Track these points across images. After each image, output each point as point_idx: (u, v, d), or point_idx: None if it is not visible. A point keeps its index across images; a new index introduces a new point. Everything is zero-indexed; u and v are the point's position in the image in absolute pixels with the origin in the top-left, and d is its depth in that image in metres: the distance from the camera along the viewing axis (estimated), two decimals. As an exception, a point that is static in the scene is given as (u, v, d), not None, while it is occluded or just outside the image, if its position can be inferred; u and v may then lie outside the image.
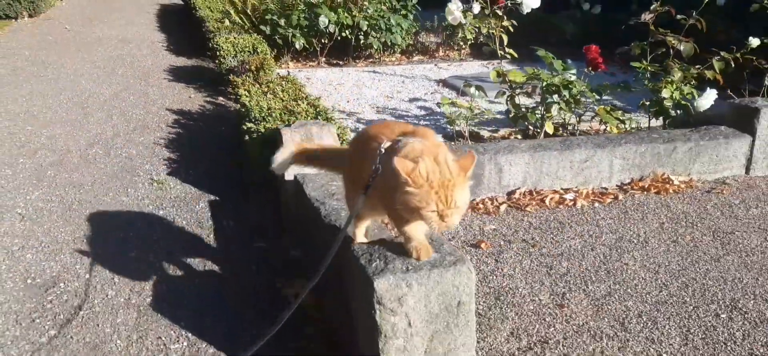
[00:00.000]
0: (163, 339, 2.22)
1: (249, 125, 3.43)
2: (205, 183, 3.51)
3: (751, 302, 2.41)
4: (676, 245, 2.83)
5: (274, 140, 3.18)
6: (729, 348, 2.16)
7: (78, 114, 4.64)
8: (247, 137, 3.37)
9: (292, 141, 2.91)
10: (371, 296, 1.70)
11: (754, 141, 3.63)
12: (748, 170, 3.67)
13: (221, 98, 5.18)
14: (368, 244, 1.95)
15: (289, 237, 2.95)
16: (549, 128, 3.87)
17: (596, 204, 3.24)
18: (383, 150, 1.77)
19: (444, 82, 5.73)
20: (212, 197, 3.35)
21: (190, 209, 3.21)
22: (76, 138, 4.16)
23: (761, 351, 2.15)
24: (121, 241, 2.87)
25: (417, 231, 1.78)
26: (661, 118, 4.09)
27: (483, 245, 2.80)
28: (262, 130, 3.30)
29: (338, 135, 3.30)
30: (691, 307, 2.37)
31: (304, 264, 2.72)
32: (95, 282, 2.54)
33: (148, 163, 3.78)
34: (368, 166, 1.81)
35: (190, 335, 2.25)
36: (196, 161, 3.84)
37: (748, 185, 3.52)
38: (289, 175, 3.03)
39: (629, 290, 2.47)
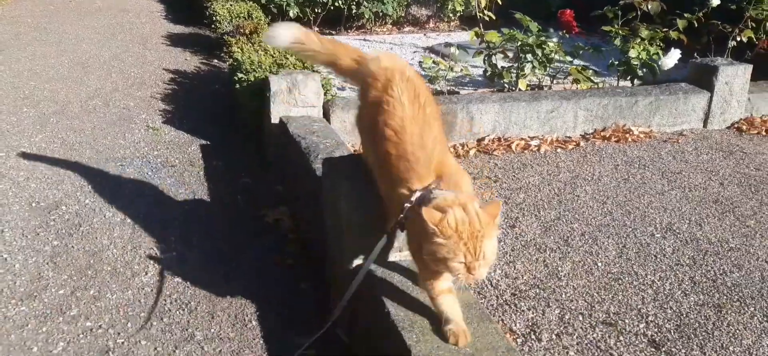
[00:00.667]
0: (154, 249, 2.49)
1: (240, 75, 3.69)
2: (198, 130, 3.78)
3: (685, 225, 2.67)
4: (626, 182, 3.09)
5: (262, 89, 3.44)
6: (658, 260, 2.42)
7: (79, 72, 4.89)
8: (237, 86, 3.63)
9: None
10: (331, 189, 1.96)
11: (712, 97, 3.88)
12: (705, 123, 3.92)
13: (216, 61, 5.43)
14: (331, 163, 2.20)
15: (273, 173, 3.22)
16: (522, 85, 4.12)
17: (559, 150, 3.50)
18: (413, 200, 1.69)
19: (431, 49, 5.97)
20: (204, 142, 3.62)
21: (183, 151, 3.48)
22: (77, 92, 4.42)
23: (687, 262, 2.42)
24: (118, 176, 3.14)
25: (452, 308, 1.67)
26: (629, 78, 4.34)
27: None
28: (252, 79, 3.56)
29: (323, 85, 3.56)
30: (630, 229, 2.64)
31: (286, 196, 2.99)
32: (94, 206, 2.81)
33: (145, 113, 4.04)
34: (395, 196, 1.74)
35: (178, 248, 2.52)
36: (189, 112, 4.10)
37: (704, 137, 3.77)
38: (275, 118, 3.30)
39: (577, 215, 2.74)
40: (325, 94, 3.54)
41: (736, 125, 3.94)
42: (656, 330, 2.05)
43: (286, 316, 2.16)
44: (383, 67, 1.90)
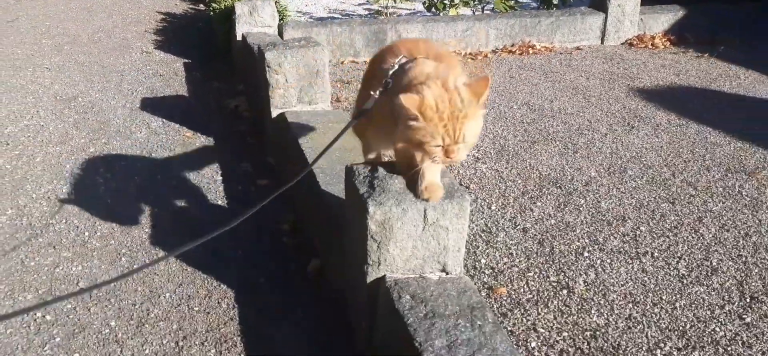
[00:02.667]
0: (146, 120, 3.60)
1: (214, 5, 4.77)
2: (182, 53, 4.87)
3: (540, 101, 3.72)
4: (511, 79, 4.13)
5: (229, 14, 4.53)
6: (508, 120, 3.47)
7: (85, 14, 6.01)
8: (211, 14, 4.71)
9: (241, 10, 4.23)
10: (263, 63, 3.04)
11: (606, 17, 4.87)
12: (602, 40, 4.92)
13: (202, 6, 6.51)
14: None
15: (237, 77, 4.31)
16: (452, 13, 5.14)
17: (469, 61, 4.53)
18: (396, 65, 1.69)
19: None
20: (186, 60, 4.71)
21: (169, 66, 4.57)
22: (85, 28, 5.53)
23: (528, 120, 3.47)
24: (119, 80, 4.25)
25: (431, 171, 1.66)
26: (545, 6, 5.33)
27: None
28: (222, 7, 4.63)
29: (279, 11, 4.61)
30: (497, 104, 3.69)
31: (244, 90, 4.06)
32: (102, 97, 3.92)
33: (140, 42, 5.14)
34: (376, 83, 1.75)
35: (163, 119, 3.61)
36: (176, 42, 5.19)
37: (597, 50, 4.78)
38: (239, 35, 4.37)
39: (461, 97, 3.79)
40: (282, 18, 4.60)
41: (628, 41, 4.93)
42: (483, 154, 3.10)
43: (236, 152, 3.25)
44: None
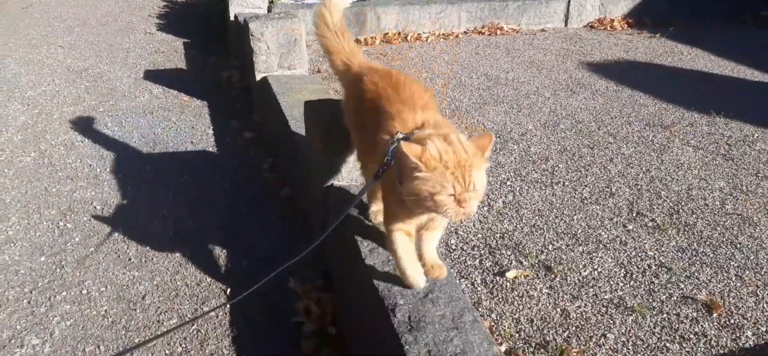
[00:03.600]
0: (148, 87, 4.14)
1: (211, -10, 5.33)
2: (182, 34, 5.42)
3: (497, 72, 4.25)
4: (477, 55, 4.66)
5: (225, -2, 5.07)
6: (466, 88, 4.00)
7: (93, 0, 6.58)
8: (208, -1, 5.26)
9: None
10: (248, 32, 3.57)
11: (570, 2, 5.39)
12: (566, 23, 5.44)
13: (202, -6, 7.08)
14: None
15: (231, 55, 4.84)
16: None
17: (442, 40, 5.06)
18: (395, 141, 1.62)
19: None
20: (186, 40, 5.26)
21: (170, 45, 5.12)
22: (93, 13, 6.10)
23: (484, 88, 3.99)
24: (124, 56, 4.80)
25: (430, 245, 1.70)
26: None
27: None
28: (218, -8, 5.19)
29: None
30: (458, 75, 4.22)
31: (237, 64, 4.60)
32: (110, 69, 4.47)
33: (144, 24, 5.70)
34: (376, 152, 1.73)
35: (164, 87, 4.16)
36: (177, 24, 5.75)
37: (560, 31, 5.30)
38: (232, 15, 4.91)
39: (425, 69, 4.32)
40: (271, 1, 5.15)
41: (590, 24, 5.44)
42: (448, 110, 3.62)
43: (227, 112, 3.78)
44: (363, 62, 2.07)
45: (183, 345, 2.00)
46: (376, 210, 1.92)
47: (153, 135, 3.44)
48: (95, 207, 2.75)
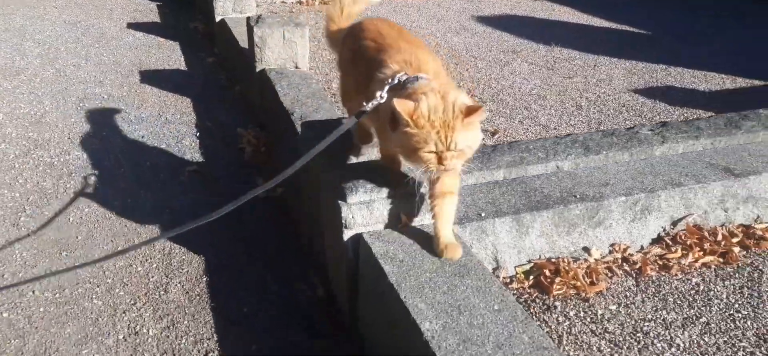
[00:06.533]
0: (131, 33, 5.49)
1: (179, -36, 6.67)
2: (162, 1, 6.77)
3: (415, 25, 5.69)
4: (396, 12, 6.10)
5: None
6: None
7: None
8: (177, -31, 6.61)
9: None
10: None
11: (475, -26, 6.87)
12: (472, -9, 6.92)
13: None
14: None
15: (197, 12, 6.20)
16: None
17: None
18: (389, 83, 1.80)
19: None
20: (159, 3, 6.60)
21: (146, 6, 6.48)
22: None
23: (392, 31, 5.42)
24: (109, 13, 6.16)
25: (446, 221, 1.88)
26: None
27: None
28: (185, -36, 6.55)
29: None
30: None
31: (204, 19, 5.95)
32: (97, 22, 5.82)
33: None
34: (369, 83, 1.89)
35: (144, 33, 5.51)
36: (150, -7, 7.10)
37: (466, -3, 6.79)
38: (198, -17, 6.27)
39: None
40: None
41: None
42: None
43: (194, 49, 5.14)
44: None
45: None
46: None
47: (139, 61, 4.80)
48: (103, 98, 4.10)
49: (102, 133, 3.62)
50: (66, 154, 3.36)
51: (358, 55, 2.08)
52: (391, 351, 1.83)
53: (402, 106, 1.64)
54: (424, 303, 1.69)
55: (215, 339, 2.09)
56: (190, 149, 3.48)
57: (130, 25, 5.73)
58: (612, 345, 1.91)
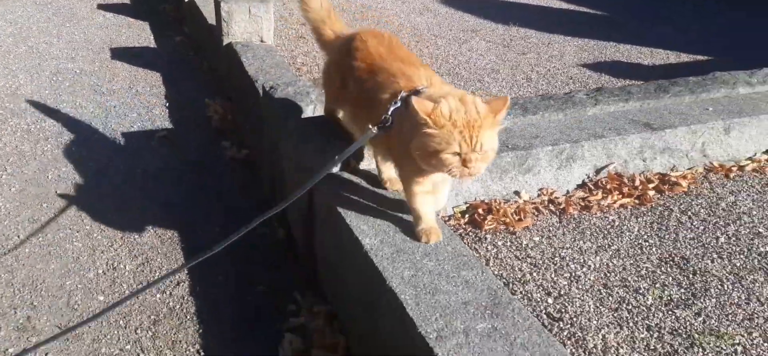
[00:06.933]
0: (102, 14, 5.68)
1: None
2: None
3: (381, 5, 5.96)
4: (359, -7, 6.37)
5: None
6: (357, 21, 5.69)
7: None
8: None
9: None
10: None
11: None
12: (437, -24, 7.22)
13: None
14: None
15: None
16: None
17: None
18: (399, 101, 1.76)
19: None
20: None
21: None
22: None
23: (371, 20, 5.69)
24: (82, 3, 6.31)
25: (427, 208, 1.85)
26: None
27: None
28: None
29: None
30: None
31: (183, 14, 6.15)
32: (68, 3, 5.98)
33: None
34: (377, 103, 1.85)
35: (114, 14, 5.70)
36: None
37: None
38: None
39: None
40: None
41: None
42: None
43: (164, 29, 5.35)
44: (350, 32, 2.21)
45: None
46: (387, 178, 2.13)
47: (109, 40, 5.00)
48: (75, 72, 4.31)
49: (75, 102, 3.83)
50: (42, 121, 3.57)
51: (357, 77, 2.03)
52: (338, 269, 2.12)
53: (420, 105, 1.60)
54: (366, 225, 1.97)
55: (185, 272, 2.35)
56: (160, 117, 3.71)
57: (101, 6, 5.91)
58: (532, 267, 2.21)
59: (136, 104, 3.85)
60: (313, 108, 2.72)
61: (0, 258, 2.42)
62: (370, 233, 1.94)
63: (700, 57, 4.86)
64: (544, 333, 1.55)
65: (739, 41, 5.31)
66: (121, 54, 4.69)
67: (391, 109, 1.75)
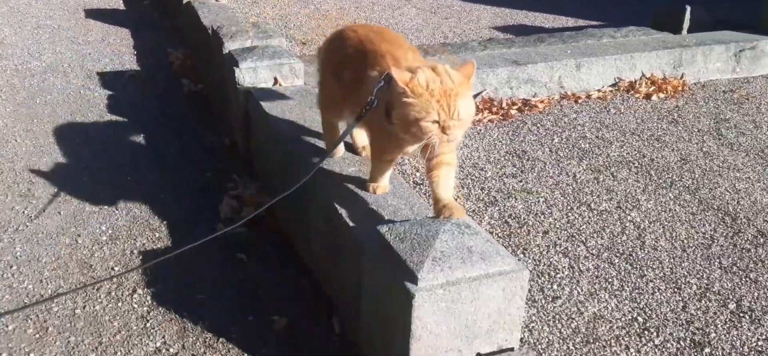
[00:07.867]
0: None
1: None
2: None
3: (318, -25, 6.75)
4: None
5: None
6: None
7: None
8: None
9: None
10: None
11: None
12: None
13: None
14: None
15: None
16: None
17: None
18: (382, 81, 1.83)
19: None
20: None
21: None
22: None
23: (311, 2, 6.47)
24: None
25: (384, 174, 2.07)
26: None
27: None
28: None
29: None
30: (293, -24, 6.69)
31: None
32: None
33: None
34: (361, 90, 1.96)
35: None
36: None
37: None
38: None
39: (273, -26, 6.76)
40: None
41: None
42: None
43: (144, 20, 6.05)
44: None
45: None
46: (362, 145, 2.36)
47: (82, 2, 5.72)
48: (54, 27, 5.00)
49: (55, 50, 4.56)
50: (27, 63, 4.29)
51: (344, 64, 2.17)
52: (270, 157, 2.91)
53: (399, 75, 1.71)
54: (287, 124, 2.77)
55: (158, 171, 3.13)
56: (129, 62, 4.46)
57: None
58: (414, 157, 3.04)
59: (109, 52, 4.58)
60: (250, 41, 3.50)
61: (1, 151, 3.18)
62: (289, 126, 2.73)
63: (593, 21, 5.74)
64: (410, 189, 2.37)
65: (637, 9, 6.23)
66: (94, 14, 5.39)
67: (376, 89, 1.86)
